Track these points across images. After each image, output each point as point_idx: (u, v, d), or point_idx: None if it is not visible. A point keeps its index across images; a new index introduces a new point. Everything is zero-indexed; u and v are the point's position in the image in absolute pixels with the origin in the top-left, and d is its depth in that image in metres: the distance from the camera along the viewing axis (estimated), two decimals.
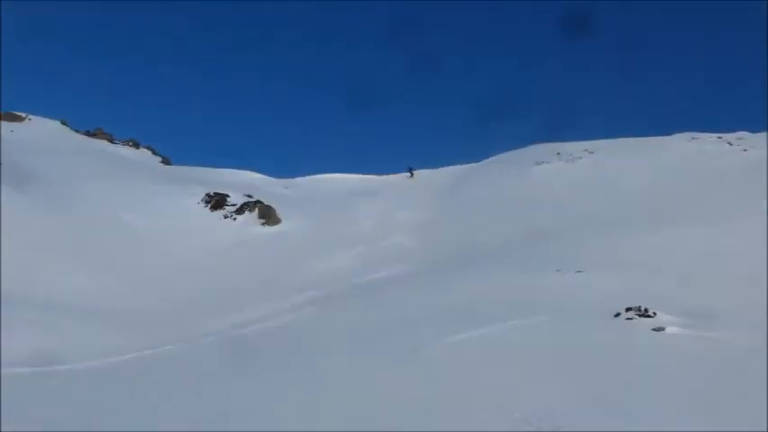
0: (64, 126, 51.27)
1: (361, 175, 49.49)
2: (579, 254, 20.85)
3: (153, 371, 13.67)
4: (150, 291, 24.10)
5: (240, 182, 43.90)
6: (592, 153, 41.23)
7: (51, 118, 51.83)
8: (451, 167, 48.79)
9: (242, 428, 8.71)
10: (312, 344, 14.64)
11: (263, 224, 35.84)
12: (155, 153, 52.72)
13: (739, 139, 38.82)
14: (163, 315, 21.25)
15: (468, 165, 48.81)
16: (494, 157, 48.10)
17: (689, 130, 41.82)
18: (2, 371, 11.99)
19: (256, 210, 36.79)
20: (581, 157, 40.83)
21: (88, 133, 51.67)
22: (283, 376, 11.67)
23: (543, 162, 41.27)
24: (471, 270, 22.02)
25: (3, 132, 42.00)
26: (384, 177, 47.90)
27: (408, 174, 45.51)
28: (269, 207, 37.02)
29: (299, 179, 49.36)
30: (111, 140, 51.70)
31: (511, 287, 17.77)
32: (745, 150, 36.30)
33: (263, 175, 49.55)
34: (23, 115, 50.05)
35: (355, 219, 37.05)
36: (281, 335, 17.04)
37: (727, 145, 38.09)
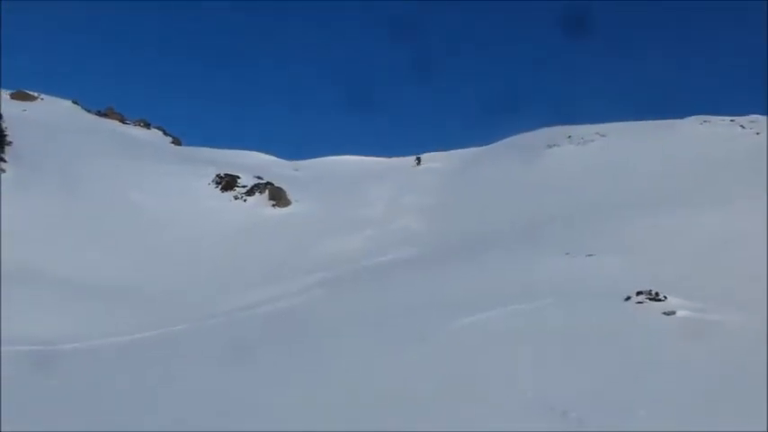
0: (75, 105, 51.32)
1: (370, 158, 49.34)
2: (589, 237, 20.66)
3: (157, 353, 13.57)
4: (159, 271, 24.05)
5: (251, 163, 43.82)
6: (603, 136, 40.91)
7: (63, 98, 51.90)
8: (461, 150, 48.52)
9: (240, 422, 8.50)
10: (319, 327, 14.53)
11: (273, 206, 35.82)
12: (165, 133, 52.77)
13: (752, 122, 38.39)
14: (171, 295, 21.20)
15: (478, 148, 48.55)
16: (504, 140, 47.79)
17: (701, 114, 41.45)
18: (8, 349, 11.94)
19: (267, 191, 36.76)
20: (593, 140, 40.52)
21: (99, 113, 51.72)
22: (288, 361, 11.54)
23: (554, 145, 40.97)
24: (480, 253, 21.89)
25: (15, 111, 41.99)
26: (394, 160, 47.72)
27: (416, 162, 45.04)
28: (279, 189, 36.97)
29: (309, 161, 49.23)
30: (122, 120, 51.75)
31: (520, 270, 17.62)
32: (757, 133, 35.90)
33: (273, 157, 49.50)
34: (35, 94, 50.07)
35: (364, 201, 36.92)
36: (288, 317, 16.93)
37: (740, 128, 37.71)
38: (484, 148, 48.00)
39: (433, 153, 48.26)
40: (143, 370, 11.77)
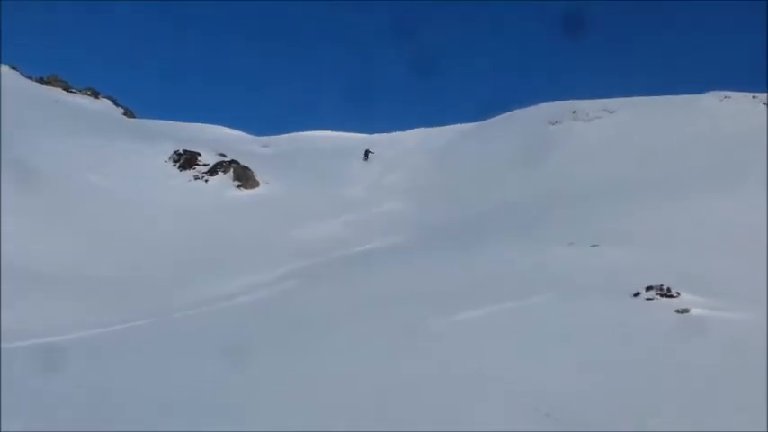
0: (14, 71, 50.73)
1: (349, 134, 49.28)
2: (595, 225, 20.90)
3: (122, 351, 13.74)
4: (111, 259, 23.93)
5: (213, 139, 43.63)
6: (612, 112, 41.18)
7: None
8: (452, 126, 48.66)
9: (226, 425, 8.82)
10: (294, 322, 14.64)
11: (238, 187, 35.72)
12: (116, 104, 52.46)
13: None
14: (128, 286, 21.15)
15: (471, 123, 48.65)
16: (501, 116, 47.88)
17: (721, 89, 41.82)
18: None
19: (231, 171, 36.62)
20: (599, 117, 40.81)
21: (41, 81, 51.21)
22: (263, 361, 11.68)
23: (557, 122, 41.26)
24: (473, 241, 22.04)
25: None
26: (375, 137, 47.73)
27: (364, 157, 42.81)
28: (245, 168, 36.88)
29: (279, 137, 49.17)
30: (67, 89, 51.28)
31: (517, 262, 17.84)
32: None
33: (238, 132, 49.34)
34: None
35: (343, 182, 37.02)
36: (260, 311, 17.09)
37: (762, 105, 38.13)
38: (478, 124, 48.09)
39: (418, 129, 48.45)
40: (108, 371, 11.86)
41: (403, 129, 49.01)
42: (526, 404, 8.91)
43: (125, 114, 51.28)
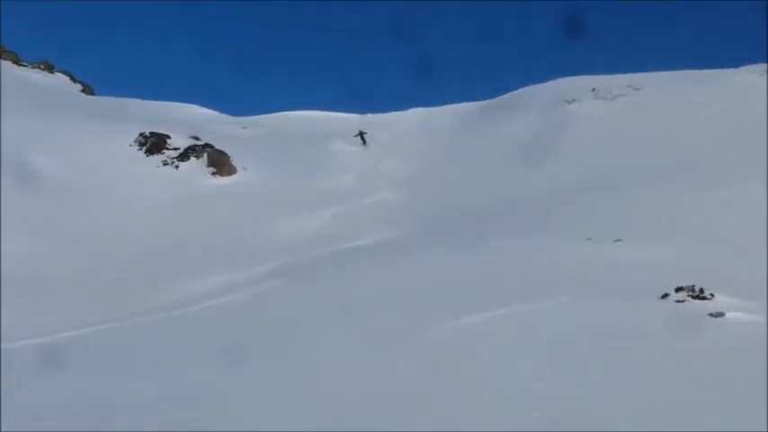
0: None
1: (339, 114, 49.24)
2: (617, 218, 20.92)
3: (90, 357, 13.85)
4: (75, 256, 23.92)
5: (184, 119, 43.56)
6: (637, 90, 41.21)
7: None
8: (454, 106, 48.68)
9: None
10: (277, 327, 14.62)
11: (213, 174, 35.69)
12: (74, 80, 52.33)
13: None
14: (88, 286, 21.19)
15: (477, 103, 48.68)
16: (510, 94, 47.94)
17: (761, 62, 41.81)
18: None
19: (205, 155, 36.57)
20: (623, 95, 40.82)
21: None
22: (256, 362, 11.72)
23: (574, 100, 41.22)
24: (477, 237, 22.06)
25: None
26: (369, 117, 47.69)
27: (360, 140, 42.28)
28: (221, 153, 36.84)
29: (260, 117, 49.14)
30: (17, 62, 51.12)
31: (527, 258, 17.82)
32: None
33: (213, 111, 49.27)
34: None
35: (332, 169, 36.99)
36: (243, 312, 17.15)
37: None
38: (483, 103, 48.17)
39: (416, 109, 48.38)
40: (74, 381, 11.89)
41: (399, 109, 48.96)
42: (529, 411, 8.92)
43: (83, 91, 51.19)
